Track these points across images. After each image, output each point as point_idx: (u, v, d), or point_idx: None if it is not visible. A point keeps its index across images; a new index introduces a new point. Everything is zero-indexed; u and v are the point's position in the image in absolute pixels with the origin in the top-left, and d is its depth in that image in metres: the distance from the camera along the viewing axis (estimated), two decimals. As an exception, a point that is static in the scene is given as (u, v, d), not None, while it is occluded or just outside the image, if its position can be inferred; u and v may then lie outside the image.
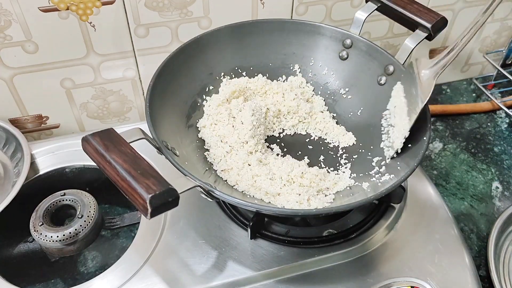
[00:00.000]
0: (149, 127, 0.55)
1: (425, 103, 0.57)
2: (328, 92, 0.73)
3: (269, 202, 0.58)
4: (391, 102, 0.64)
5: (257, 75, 0.72)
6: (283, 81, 0.73)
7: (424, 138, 0.56)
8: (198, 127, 0.66)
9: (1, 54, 0.69)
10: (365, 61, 0.69)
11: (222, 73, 0.71)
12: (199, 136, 0.65)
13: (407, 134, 0.58)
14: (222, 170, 0.61)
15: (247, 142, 0.62)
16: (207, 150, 0.64)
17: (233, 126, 0.63)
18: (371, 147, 0.65)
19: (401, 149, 0.60)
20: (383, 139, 0.63)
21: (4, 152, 0.72)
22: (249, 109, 0.63)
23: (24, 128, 0.80)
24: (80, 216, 0.63)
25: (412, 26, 0.65)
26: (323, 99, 0.72)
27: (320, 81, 0.73)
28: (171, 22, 0.73)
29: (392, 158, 0.60)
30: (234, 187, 0.59)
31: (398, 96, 0.62)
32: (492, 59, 0.96)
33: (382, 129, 0.64)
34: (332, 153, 0.67)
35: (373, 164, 0.62)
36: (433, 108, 0.92)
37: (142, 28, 0.72)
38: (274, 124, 0.69)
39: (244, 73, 0.72)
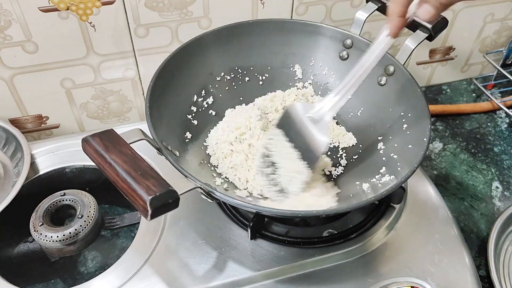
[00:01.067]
0: (149, 128, 0.55)
1: (326, 146, 0.56)
2: (329, 92, 0.72)
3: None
4: (269, 148, 0.59)
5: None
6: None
7: (424, 139, 0.56)
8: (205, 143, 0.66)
9: (1, 54, 0.69)
10: (365, 61, 0.68)
11: (222, 73, 0.71)
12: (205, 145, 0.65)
13: (308, 178, 0.56)
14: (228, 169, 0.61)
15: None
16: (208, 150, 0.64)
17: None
18: (370, 147, 0.65)
19: (401, 149, 0.60)
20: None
21: (4, 152, 0.72)
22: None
23: (24, 128, 0.80)
24: (80, 216, 0.63)
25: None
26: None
27: (320, 81, 0.73)
28: (171, 22, 0.73)
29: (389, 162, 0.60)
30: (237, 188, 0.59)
31: (281, 141, 0.58)
32: (492, 59, 0.96)
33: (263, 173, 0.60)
34: (331, 153, 0.67)
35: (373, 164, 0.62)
36: (433, 108, 0.92)
37: (142, 28, 0.72)
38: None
39: (244, 73, 0.72)
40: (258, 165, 0.60)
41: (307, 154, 0.57)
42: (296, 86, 0.73)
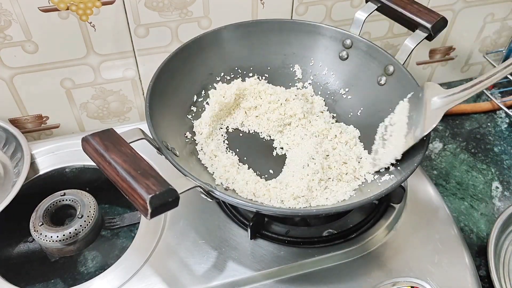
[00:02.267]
0: (149, 127, 0.55)
1: (426, 133, 0.54)
2: (328, 92, 0.73)
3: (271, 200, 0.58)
4: (393, 117, 0.61)
5: (252, 77, 0.72)
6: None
7: (424, 138, 0.56)
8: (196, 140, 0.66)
9: (1, 54, 0.69)
10: (365, 61, 0.69)
11: (222, 73, 0.71)
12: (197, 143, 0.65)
13: (399, 157, 0.57)
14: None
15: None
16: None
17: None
18: (371, 147, 0.65)
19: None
20: (373, 148, 0.62)
21: (4, 152, 0.72)
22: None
23: (24, 128, 0.80)
24: (80, 216, 0.63)
25: (412, 26, 0.65)
26: (323, 99, 0.72)
27: (320, 81, 0.73)
28: (171, 22, 0.73)
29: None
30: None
31: (402, 114, 0.59)
32: (492, 59, 0.96)
33: (375, 137, 0.62)
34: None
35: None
36: (433, 108, 0.92)
37: (142, 28, 0.72)
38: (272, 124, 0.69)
39: (244, 73, 0.72)
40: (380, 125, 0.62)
41: (411, 134, 0.56)
42: (296, 86, 0.73)
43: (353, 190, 0.59)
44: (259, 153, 0.66)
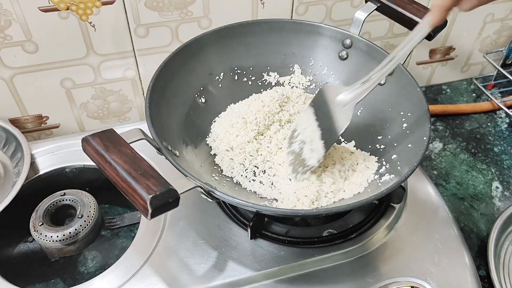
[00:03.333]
0: (149, 128, 0.55)
1: (342, 131, 0.57)
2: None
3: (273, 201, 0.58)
4: (299, 123, 0.61)
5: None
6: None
7: (424, 138, 0.56)
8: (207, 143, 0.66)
9: (1, 54, 0.69)
10: (364, 61, 0.69)
11: (222, 73, 0.71)
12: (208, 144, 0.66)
13: (321, 159, 0.58)
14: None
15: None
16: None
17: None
18: (369, 146, 0.65)
19: (401, 149, 0.60)
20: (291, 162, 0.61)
21: (4, 152, 0.72)
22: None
23: (24, 128, 0.80)
24: (80, 216, 0.63)
25: (411, 26, 0.64)
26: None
27: (320, 81, 0.73)
28: (171, 22, 0.73)
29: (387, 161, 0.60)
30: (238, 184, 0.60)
31: (309, 120, 0.60)
32: (492, 59, 0.96)
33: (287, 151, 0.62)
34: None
35: (373, 164, 0.62)
36: (433, 108, 0.92)
37: (142, 28, 0.72)
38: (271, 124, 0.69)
39: (243, 73, 0.72)
40: (289, 137, 0.62)
41: (327, 135, 0.58)
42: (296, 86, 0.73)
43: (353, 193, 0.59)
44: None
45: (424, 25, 0.53)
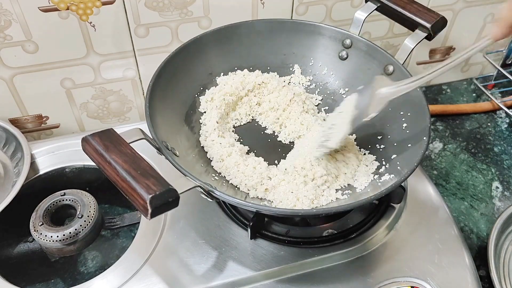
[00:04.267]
0: (148, 127, 0.55)
1: (367, 118, 0.58)
2: (328, 92, 0.73)
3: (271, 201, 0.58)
4: (340, 106, 0.62)
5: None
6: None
7: (424, 138, 0.56)
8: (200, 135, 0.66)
9: (1, 54, 0.69)
10: (364, 61, 0.69)
11: (222, 73, 0.71)
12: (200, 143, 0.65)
13: (343, 138, 0.59)
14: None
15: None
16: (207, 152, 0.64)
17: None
18: (369, 146, 0.65)
19: (401, 149, 0.60)
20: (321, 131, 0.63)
21: (4, 152, 0.72)
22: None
23: (24, 128, 0.80)
24: (80, 216, 0.63)
25: (411, 26, 0.65)
26: (322, 98, 0.72)
27: (320, 81, 0.73)
28: (171, 22, 0.73)
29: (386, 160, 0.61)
30: (237, 187, 0.60)
31: (349, 104, 0.61)
32: (492, 59, 0.96)
33: (323, 123, 0.65)
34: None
35: (373, 164, 0.62)
36: (433, 108, 0.92)
37: (142, 28, 0.72)
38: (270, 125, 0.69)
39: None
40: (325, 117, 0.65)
41: (355, 120, 0.59)
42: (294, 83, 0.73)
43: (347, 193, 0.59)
44: (265, 146, 0.67)
45: (487, 39, 0.52)
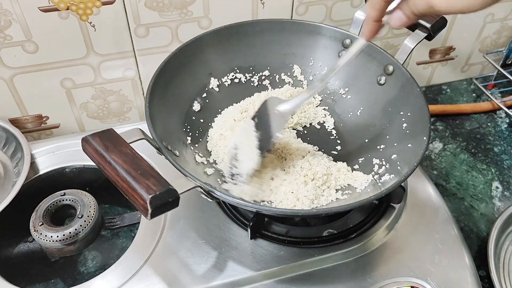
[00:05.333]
0: (148, 127, 0.55)
1: (275, 139, 0.58)
2: (328, 92, 0.73)
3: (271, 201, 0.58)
4: (239, 137, 0.61)
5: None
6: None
7: (424, 138, 0.56)
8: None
9: (1, 54, 0.69)
10: (364, 61, 0.68)
11: (222, 73, 0.71)
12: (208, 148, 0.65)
13: (256, 166, 0.58)
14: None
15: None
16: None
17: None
18: (369, 146, 0.65)
19: (401, 149, 0.60)
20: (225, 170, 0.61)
21: (4, 152, 0.72)
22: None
23: (24, 128, 0.80)
24: (80, 216, 0.63)
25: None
26: (322, 98, 0.72)
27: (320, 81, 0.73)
28: (171, 22, 0.73)
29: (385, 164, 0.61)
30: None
31: (248, 131, 0.60)
32: (492, 59, 0.96)
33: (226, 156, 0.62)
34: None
35: (373, 164, 0.62)
36: (433, 108, 0.92)
37: (142, 28, 0.72)
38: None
39: (243, 73, 0.72)
40: (227, 148, 0.63)
41: (263, 144, 0.59)
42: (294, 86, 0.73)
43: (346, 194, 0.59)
44: None
45: (361, 39, 0.54)
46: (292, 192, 0.57)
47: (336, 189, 0.60)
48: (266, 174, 0.60)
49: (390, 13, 0.48)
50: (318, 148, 0.67)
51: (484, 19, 0.92)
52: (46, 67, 0.72)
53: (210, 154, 0.64)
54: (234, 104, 0.70)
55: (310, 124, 0.71)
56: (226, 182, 0.59)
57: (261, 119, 0.60)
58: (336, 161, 0.64)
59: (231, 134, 0.65)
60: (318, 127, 0.71)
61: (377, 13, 0.48)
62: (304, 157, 0.63)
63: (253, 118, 0.60)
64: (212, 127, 0.68)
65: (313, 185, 0.58)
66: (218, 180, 0.61)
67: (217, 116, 0.69)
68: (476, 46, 0.97)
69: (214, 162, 0.63)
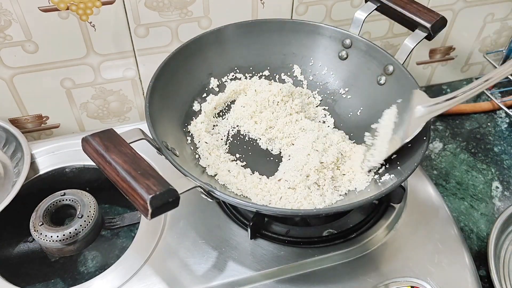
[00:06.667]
0: (148, 128, 0.55)
1: (407, 140, 0.57)
2: (328, 92, 0.73)
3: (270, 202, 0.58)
4: (380, 122, 0.62)
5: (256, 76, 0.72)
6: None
7: (424, 138, 0.56)
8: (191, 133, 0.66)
9: (1, 54, 0.69)
10: (364, 61, 0.69)
11: (222, 73, 0.71)
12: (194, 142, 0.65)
13: (381, 161, 0.59)
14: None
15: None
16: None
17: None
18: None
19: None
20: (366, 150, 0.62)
21: (4, 152, 0.72)
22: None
23: (24, 128, 0.80)
24: (80, 216, 0.63)
25: (411, 26, 0.65)
26: (322, 98, 0.72)
27: (320, 81, 0.73)
28: (171, 22, 0.73)
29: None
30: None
31: (389, 120, 0.60)
32: (492, 59, 0.96)
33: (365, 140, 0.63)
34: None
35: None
36: (433, 108, 0.92)
37: (142, 28, 0.72)
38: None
39: (243, 73, 0.72)
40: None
41: (393, 141, 0.58)
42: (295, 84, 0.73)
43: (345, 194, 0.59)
44: (256, 155, 0.66)
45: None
46: (293, 190, 0.57)
47: (336, 189, 0.60)
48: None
49: None
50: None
51: (484, 19, 0.92)
52: (46, 67, 0.72)
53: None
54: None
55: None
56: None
57: (403, 110, 0.59)
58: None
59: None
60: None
61: None
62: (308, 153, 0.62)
63: (397, 106, 0.60)
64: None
65: (314, 185, 0.58)
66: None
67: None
68: (476, 46, 0.97)
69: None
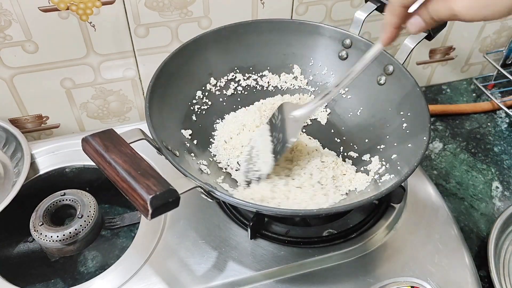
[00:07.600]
0: (148, 128, 0.55)
1: (290, 144, 0.59)
2: (317, 94, 0.73)
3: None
4: (255, 139, 0.62)
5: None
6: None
7: (424, 138, 0.56)
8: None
9: (1, 54, 0.69)
10: (364, 61, 0.69)
11: (222, 73, 0.71)
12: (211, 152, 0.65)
13: (269, 171, 0.59)
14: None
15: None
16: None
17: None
18: (369, 146, 0.65)
19: (401, 149, 0.60)
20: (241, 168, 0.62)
21: (4, 152, 0.72)
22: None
23: (24, 128, 0.80)
24: (80, 216, 0.63)
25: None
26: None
27: (320, 81, 0.73)
28: (171, 22, 0.73)
29: (388, 161, 0.61)
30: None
31: (263, 134, 0.61)
32: (492, 59, 0.96)
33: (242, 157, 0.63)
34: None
35: (373, 164, 0.62)
36: (433, 108, 0.92)
37: (142, 28, 0.72)
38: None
39: (243, 74, 0.72)
40: (244, 153, 0.63)
41: (277, 149, 0.60)
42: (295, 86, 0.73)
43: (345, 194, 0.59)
44: None
45: (378, 44, 0.53)
46: (300, 189, 0.58)
47: (336, 189, 0.60)
48: (276, 177, 0.60)
49: (408, 17, 0.47)
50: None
51: (484, 19, 0.92)
52: (46, 67, 0.72)
53: (211, 154, 0.64)
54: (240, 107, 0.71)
55: (310, 124, 0.71)
56: (237, 186, 0.60)
57: (276, 124, 0.60)
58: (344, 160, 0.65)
59: (236, 138, 0.65)
60: (318, 127, 0.71)
61: (396, 19, 0.48)
62: (309, 154, 0.62)
63: (268, 123, 0.60)
64: (216, 129, 0.68)
65: (318, 186, 0.58)
66: (219, 179, 0.61)
67: (219, 120, 0.69)
68: (476, 46, 0.97)
69: (215, 161, 0.64)
